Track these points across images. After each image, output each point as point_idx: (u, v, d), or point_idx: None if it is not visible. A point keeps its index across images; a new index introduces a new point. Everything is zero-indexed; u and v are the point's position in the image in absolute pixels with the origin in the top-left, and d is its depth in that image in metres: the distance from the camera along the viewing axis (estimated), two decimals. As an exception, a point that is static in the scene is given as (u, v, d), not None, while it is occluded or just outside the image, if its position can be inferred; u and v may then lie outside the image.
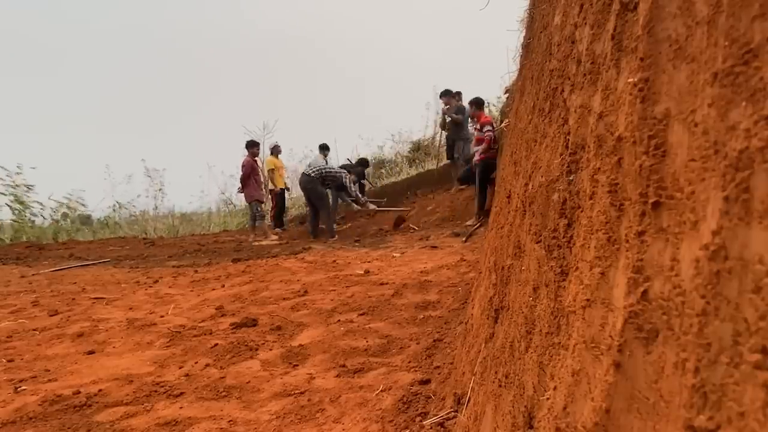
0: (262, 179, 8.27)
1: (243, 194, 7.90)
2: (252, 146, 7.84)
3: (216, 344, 2.24)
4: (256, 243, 7.26)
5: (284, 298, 3.11)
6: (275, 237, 7.72)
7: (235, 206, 12.84)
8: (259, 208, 7.72)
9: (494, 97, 10.76)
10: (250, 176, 7.61)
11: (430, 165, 10.74)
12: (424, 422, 1.34)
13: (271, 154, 8.89)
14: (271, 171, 8.73)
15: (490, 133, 6.08)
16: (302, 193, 7.32)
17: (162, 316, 2.90)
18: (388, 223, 7.81)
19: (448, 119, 8.40)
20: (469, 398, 1.11)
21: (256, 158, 7.91)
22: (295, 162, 12.53)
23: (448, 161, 8.80)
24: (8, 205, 9.69)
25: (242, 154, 7.99)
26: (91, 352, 2.28)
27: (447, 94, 8.34)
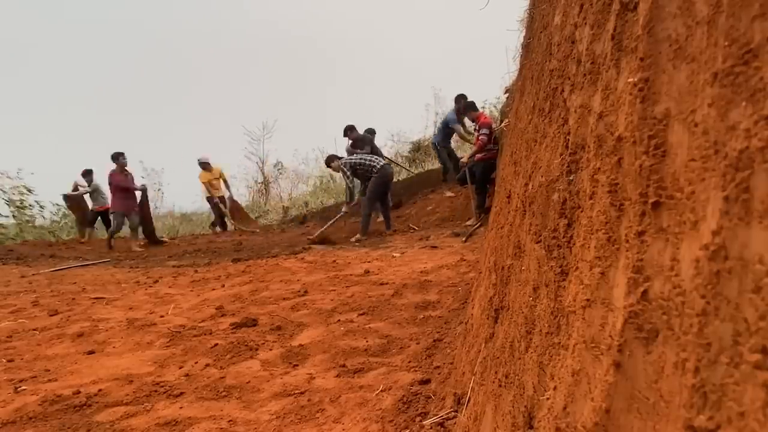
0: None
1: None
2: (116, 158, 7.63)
3: (216, 344, 2.24)
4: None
5: (284, 298, 3.11)
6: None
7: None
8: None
9: (494, 97, 10.78)
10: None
11: (430, 165, 10.73)
12: (424, 422, 1.34)
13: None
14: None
15: (483, 136, 6.08)
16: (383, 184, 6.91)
17: (162, 316, 2.90)
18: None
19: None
20: (469, 398, 1.11)
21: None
22: (297, 162, 12.55)
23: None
24: (6, 204, 9.74)
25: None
26: (91, 352, 2.28)
27: (352, 130, 8.15)
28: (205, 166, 9.09)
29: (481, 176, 6.23)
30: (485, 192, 6.32)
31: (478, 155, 6.19)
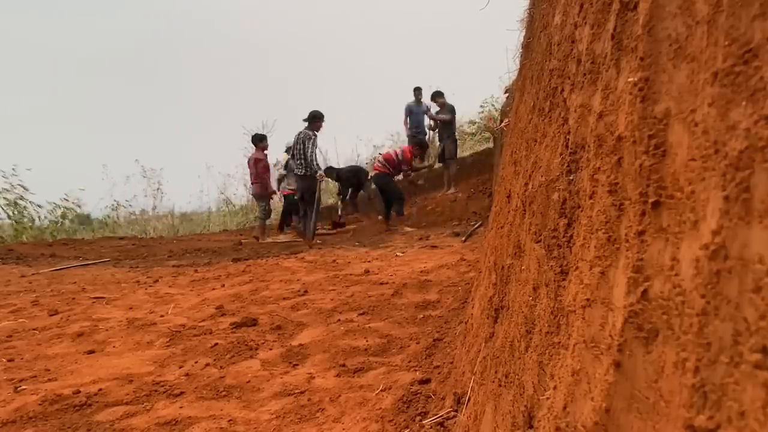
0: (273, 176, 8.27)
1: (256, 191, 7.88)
2: (260, 140, 7.69)
3: (216, 344, 2.24)
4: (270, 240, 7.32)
5: (284, 298, 3.11)
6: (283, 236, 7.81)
7: (234, 206, 12.85)
8: (266, 207, 7.75)
9: (492, 97, 10.77)
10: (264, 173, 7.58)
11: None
12: (424, 422, 1.34)
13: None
14: None
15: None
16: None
17: (162, 316, 2.90)
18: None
19: (432, 122, 8.45)
20: (469, 398, 1.11)
21: (266, 152, 7.84)
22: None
23: (440, 163, 8.77)
24: (2, 208, 9.67)
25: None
26: (91, 352, 2.28)
27: (441, 96, 8.23)
28: None
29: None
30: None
31: None
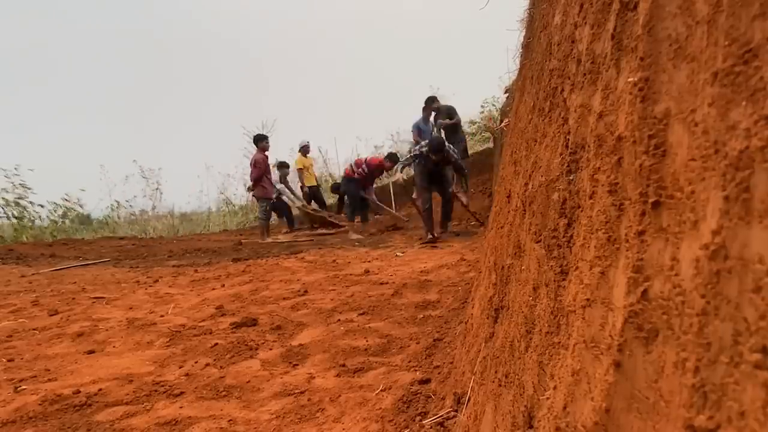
0: (273, 177, 8.23)
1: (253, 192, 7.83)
2: (261, 140, 7.61)
3: (216, 344, 2.24)
4: (270, 240, 7.28)
5: (284, 298, 3.11)
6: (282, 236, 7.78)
7: (234, 206, 12.85)
8: (266, 207, 7.69)
9: (492, 97, 10.78)
10: (263, 174, 7.50)
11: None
12: (424, 422, 1.34)
13: (300, 152, 9.11)
14: (300, 170, 8.95)
15: None
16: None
17: (162, 316, 2.90)
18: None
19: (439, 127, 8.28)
20: (469, 398, 1.11)
21: (266, 153, 7.77)
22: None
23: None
24: (2, 208, 9.68)
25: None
26: (91, 352, 2.28)
27: (435, 100, 7.94)
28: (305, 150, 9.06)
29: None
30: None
31: None
